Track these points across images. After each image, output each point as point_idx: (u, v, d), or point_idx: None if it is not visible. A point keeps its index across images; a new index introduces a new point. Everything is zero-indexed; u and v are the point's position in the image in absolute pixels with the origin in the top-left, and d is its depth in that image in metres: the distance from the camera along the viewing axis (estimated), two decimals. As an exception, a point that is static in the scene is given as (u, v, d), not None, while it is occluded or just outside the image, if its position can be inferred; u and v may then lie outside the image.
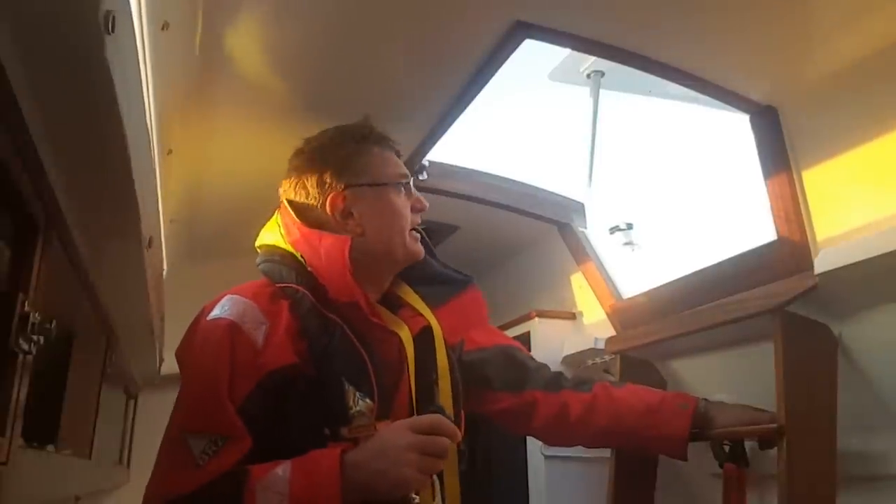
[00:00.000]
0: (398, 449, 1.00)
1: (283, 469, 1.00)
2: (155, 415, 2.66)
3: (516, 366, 1.48)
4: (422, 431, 1.02)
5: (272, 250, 1.26)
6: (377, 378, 1.14)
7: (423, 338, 1.26)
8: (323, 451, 1.03)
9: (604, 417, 1.44)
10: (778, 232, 1.58)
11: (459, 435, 1.07)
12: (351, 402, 1.07)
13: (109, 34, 0.64)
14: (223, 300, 1.16)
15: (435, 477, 1.16)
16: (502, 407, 1.46)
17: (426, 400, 1.20)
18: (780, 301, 1.46)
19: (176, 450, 1.06)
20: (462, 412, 1.28)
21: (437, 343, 1.26)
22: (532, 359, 1.54)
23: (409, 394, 1.20)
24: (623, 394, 1.46)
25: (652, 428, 1.43)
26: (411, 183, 1.31)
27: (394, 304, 1.30)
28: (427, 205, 1.31)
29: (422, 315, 1.28)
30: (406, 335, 1.24)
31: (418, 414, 1.15)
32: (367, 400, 1.08)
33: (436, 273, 1.35)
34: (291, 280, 1.19)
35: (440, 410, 1.08)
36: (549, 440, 1.58)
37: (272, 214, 1.31)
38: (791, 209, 1.53)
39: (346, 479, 0.98)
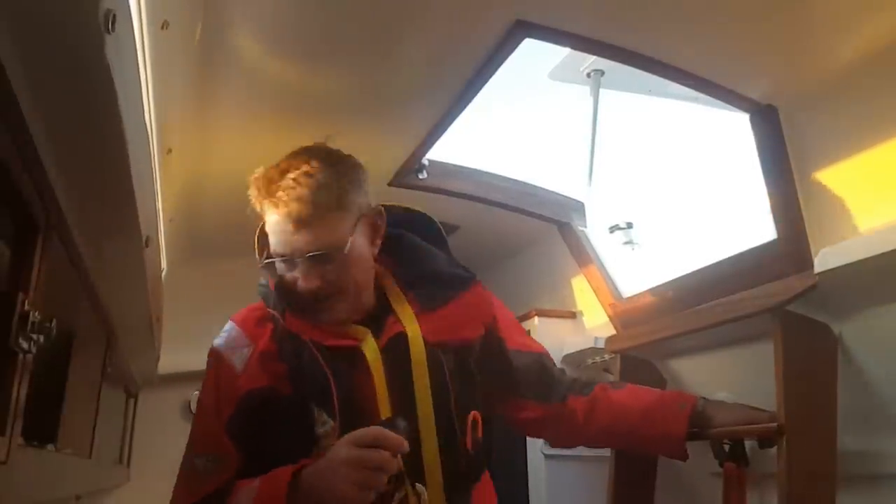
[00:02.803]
0: (337, 463, 1.02)
1: (254, 484, 1.10)
2: (155, 414, 2.69)
3: (548, 377, 1.45)
4: (364, 445, 1.02)
5: None
6: (345, 396, 1.15)
7: (396, 347, 1.21)
8: (283, 469, 1.08)
9: (604, 419, 1.44)
10: (777, 231, 1.58)
11: (405, 446, 1.04)
12: (318, 424, 1.13)
13: (110, 33, 0.64)
14: (225, 326, 1.28)
15: (420, 486, 1.14)
16: (524, 416, 1.44)
17: (406, 409, 1.17)
18: (780, 300, 1.46)
19: (186, 467, 1.21)
20: (463, 414, 1.23)
21: (413, 350, 1.21)
22: (561, 371, 1.52)
23: (387, 407, 1.17)
24: (621, 395, 1.46)
25: (650, 428, 1.43)
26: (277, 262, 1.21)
27: (383, 312, 1.27)
28: (303, 284, 1.19)
29: (401, 322, 1.24)
30: (371, 348, 1.20)
31: None
32: (331, 421, 1.12)
33: (439, 272, 1.32)
34: (273, 304, 1.24)
35: (388, 423, 1.07)
36: (554, 443, 1.58)
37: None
38: (791, 208, 1.53)
39: (291, 497, 1.04)
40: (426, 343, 1.21)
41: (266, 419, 1.17)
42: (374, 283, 1.29)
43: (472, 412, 1.25)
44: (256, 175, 1.20)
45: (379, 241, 1.27)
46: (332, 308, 1.21)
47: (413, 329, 1.22)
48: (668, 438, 1.42)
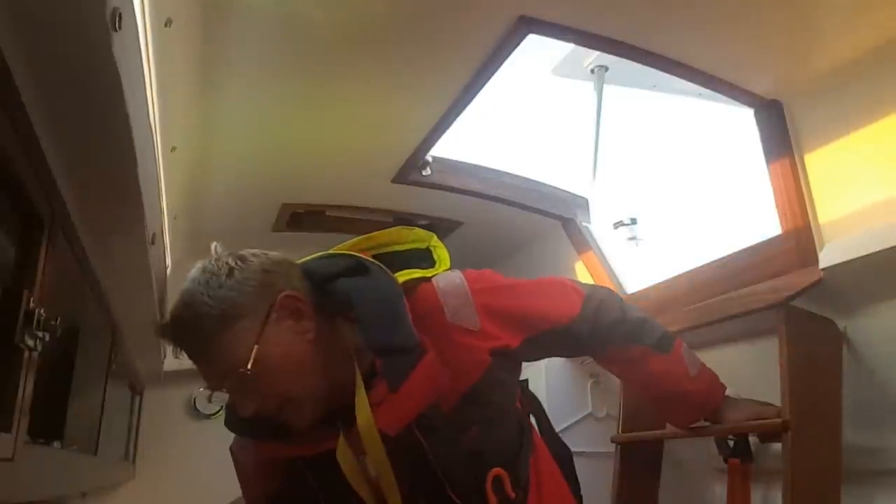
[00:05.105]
0: None
1: None
2: (160, 411, 2.69)
3: (572, 342, 1.32)
4: None
5: None
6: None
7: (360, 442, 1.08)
8: None
9: (623, 377, 1.52)
10: (782, 226, 1.58)
11: None
12: None
13: (116, 31, 0.65)
14: None
15: None
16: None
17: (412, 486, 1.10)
18: (785, 296, 1.45)
19: None
20: (470, 488, 1.12)
21: (366, 438, 1.05)
22: (594, 318, 1.33)
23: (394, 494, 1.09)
24: (653, 370, 1.35)
25: (661, 410, 1.51)
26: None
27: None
28: (242, 411, 1.11)
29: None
30: (342, 450, 1.08)
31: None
32: None
33: (383, 345, 1.10)
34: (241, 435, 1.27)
35: None
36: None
37: (275, 212, 1.31)
38: (796, 203, 1.53)
39: None
40: (385, 431, 1.06)
41: None
42: (347, 351, 1.12)
43: (492, 470, 1.13)
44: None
45: (309, 322, 1.10)
46: (292, 419, 1.09)
47: (364, 419, 1.05)
48: (674, 423, 1.53)
